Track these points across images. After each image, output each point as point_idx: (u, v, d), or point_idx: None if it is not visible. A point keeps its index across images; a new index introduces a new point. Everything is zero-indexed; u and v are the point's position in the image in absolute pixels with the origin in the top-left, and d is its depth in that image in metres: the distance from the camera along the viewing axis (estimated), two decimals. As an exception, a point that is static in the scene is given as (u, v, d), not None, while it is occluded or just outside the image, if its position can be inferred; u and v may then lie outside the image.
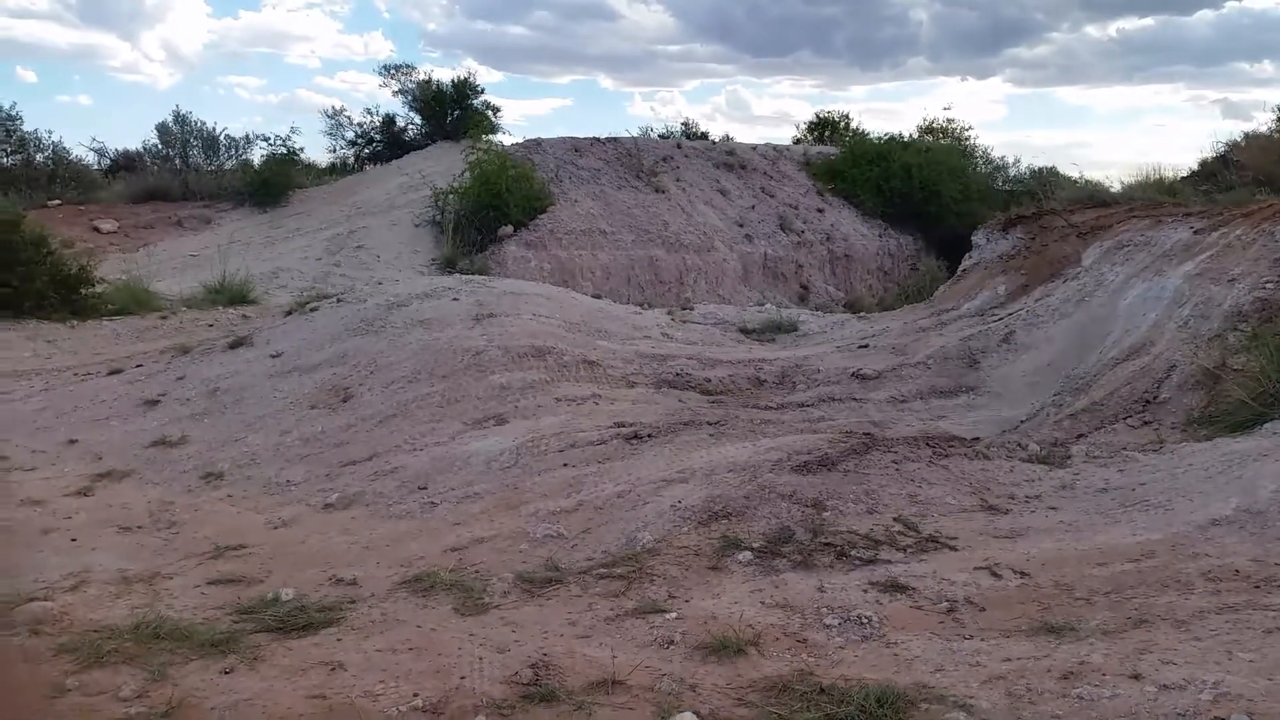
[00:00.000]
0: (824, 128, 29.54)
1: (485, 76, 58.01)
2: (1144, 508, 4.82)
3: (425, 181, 18.21)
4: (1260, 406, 6.00)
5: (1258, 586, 3.89)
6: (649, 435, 6.27)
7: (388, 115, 24.14)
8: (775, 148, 24.06)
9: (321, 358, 8.02)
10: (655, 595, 4.10)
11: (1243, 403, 6.10)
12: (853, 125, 29.07)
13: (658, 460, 5.78)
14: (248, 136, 21.67)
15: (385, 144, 23.86)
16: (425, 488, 5.67)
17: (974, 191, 21.27)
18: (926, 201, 21.01)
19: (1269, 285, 7.32)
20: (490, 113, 23.22)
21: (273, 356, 8.28)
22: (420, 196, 17.95)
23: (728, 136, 26.13)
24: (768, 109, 64.97)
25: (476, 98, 23.22)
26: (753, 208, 20.59)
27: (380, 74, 24.79)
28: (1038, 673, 3.23)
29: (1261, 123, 18.50)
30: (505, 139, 21.13)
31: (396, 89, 23.77)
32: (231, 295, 12.57)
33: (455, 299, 8.65)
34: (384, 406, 6.97)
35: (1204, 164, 14.66)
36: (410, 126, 23.94)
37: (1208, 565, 4.12)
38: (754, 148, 23.43)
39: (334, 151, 24.30)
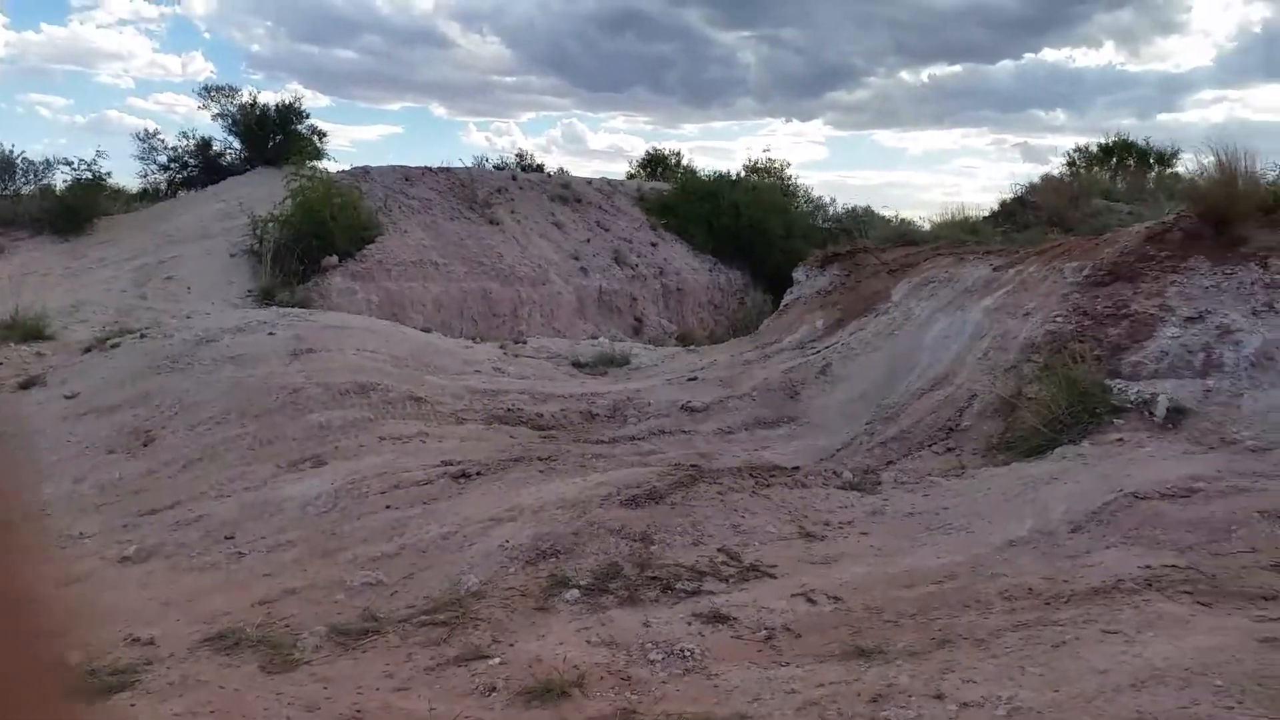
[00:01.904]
0: (656, 164, 30.23)
1: (311, 101, 56.19)
2: (947, 531, 5.10)
3: (244, 209, 17.38)
4: (1051, 433, 6.48)
5: (1048, 603, 4.17)
6: (478, 473, 6.16)
7: (204, 139, 22.96)
8: (610, 182, 24.40)
9: (122, 398, 7.48)
10: (479, 640, 4.00)
11: (1036, 429, 6.57)
12: (684, 162, 29.91)
13: (486, 499, 5.68)
14: (48, 160, 20.13)
15: (201, 169, 22.67)
16: (232, 537, 5.36)
17: (797, 229, 22.19)
18: (754, 238, 21.77)
19: (1059, 319, 7.94)
20: (316, 138, 22.53)
21: (68, 397, 7.66)
22: (238, 224, 17.11)
23: (562, 170, 26.32)
24: (603, 143, 65.91)
25: (301, 122, 22.47)
26: (588, 241, 20.75)
27: (199, 95, 23.57)
28: (848, 697, 3.34)
29: (1055, 166, 20.19)
30: (331, 165, 20.52)
31: (216, 111, 22.68)
32: (25, 330, 11.53)
33: (271, 333, 8.27)
34: (189, 450, 6.56)
35: (1004, 204, 15.65)
36: (229, 151, 22.88)
37: (1004, 584, 4.39)
38: (589, 181, 23.67)
39: (145, 177, 22.90)
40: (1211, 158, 8.25)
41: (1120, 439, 6.19)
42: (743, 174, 26.24)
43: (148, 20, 64.21)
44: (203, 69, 64.19)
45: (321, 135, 22.84)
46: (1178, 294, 7.52)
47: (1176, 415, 6.35)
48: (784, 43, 62.28)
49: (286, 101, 22.52)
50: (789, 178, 27.33)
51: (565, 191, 22.29)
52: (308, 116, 22.77)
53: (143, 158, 22.74)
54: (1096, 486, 5.42)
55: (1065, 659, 3.52)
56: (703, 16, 61.45)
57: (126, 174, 28.09)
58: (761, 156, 29.18)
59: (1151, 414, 6.42)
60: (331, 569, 4.82)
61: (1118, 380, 6.85)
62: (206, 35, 64.17)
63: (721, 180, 24.17)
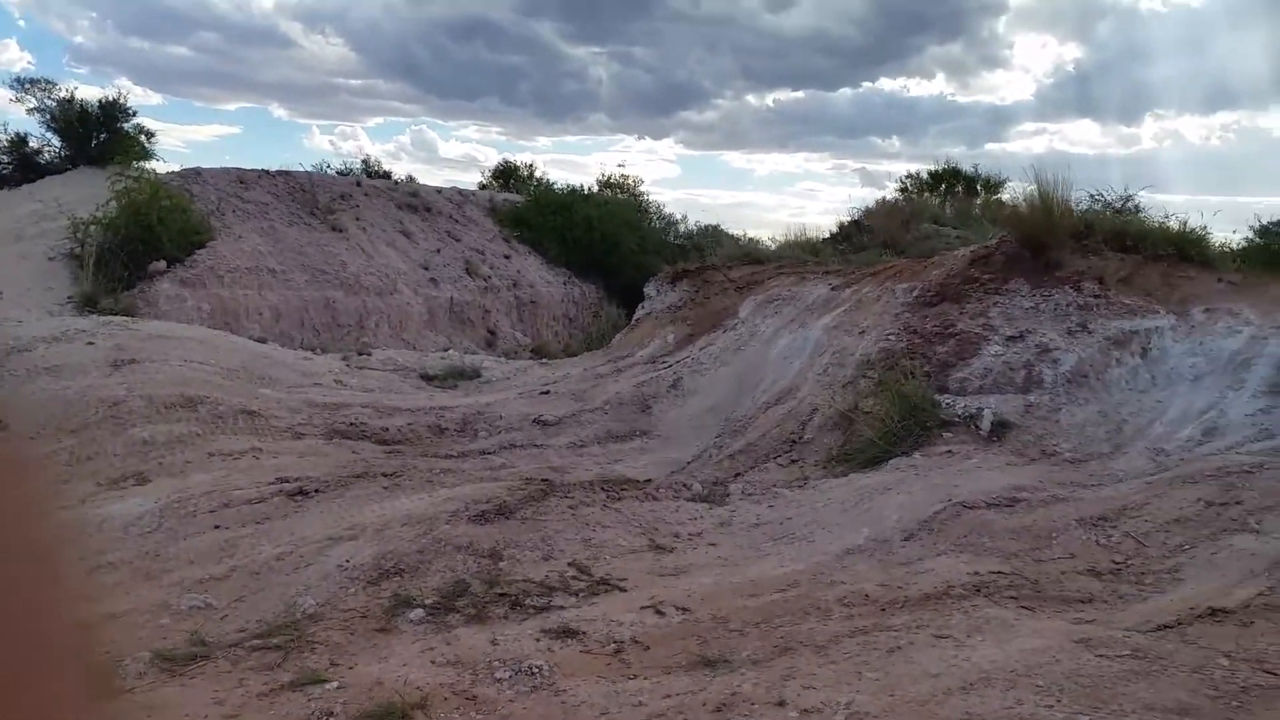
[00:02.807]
0: (509, 175, 30.03)
1: (142, 98, 52.77)
2: (790, 540, 5.24)
3: (63, 210, 16.11)
4: (886, 445, 6.78)
5: (884, 609, 4.33)
6: (316, 490, 5.91)
7: (19, 134, 21.20)
8: (461, 192, 24.03)
9: (-85, 411, 6.79)
10: (316, 664, 3.82)
11: (872, 441, 6.86)
12: (537, 174, 29.83)
13: (325, 517, 5.45)
14: None
15: (15, 167, 20.93)
16: (44, 560, 4.94)
17: (650, 245, 22.45)
18: (607, 252, 21.90)
19: (891, 337, 8.33)
20: (143, 137, 21.21)
21: None
22: (57, 227, 15.85)
23: (410, 177, 25.74)
24: (455, 152, 64.87)
25: (127, 120, 21.10)
26: (438, 251, 20.35)
27: (12, 87, 21.76)
28: (694, 707, 3.36)
29: (890, 191, 21.17)
30: (160, 166, 19.36)
31: (32, 105, 21.01)
32: None
33: (90, 343, 7.71)
34: (-5, 467, 6.02)
35: (842, 226, 16.30)
36: (47, 149, 21.23)
37: (843, 591, 4.54)
38: (439, 190, 23.25)
39: (-51, 174, 20.97)
40: (1031, 186, 8.86)
41: (949, 451, 6.53)
42: (596, 188, 26.41)
43: (-48, 2, 59.13)
44: (18, 59, 59.69)
45: (149, 135, 21.54)
46: (1000, 314, 8.02)
47: (1000, 429, 6.75)
48: (635, 61, 63.28)
49: (110, 98, 21.11)
50: (642, 194, 27.67)
51: (414, 200, 21.81)
52: (135, 114, 21.41)
53: (-54, 153, 20.86)
54: (927, 496, 5.69)
55: (899, 663, 3.66)
56: (554, 30, 61.71)
57: (-74, 169, 25.69)
58: (615, 171, 29.45)
59: (977, 427, 6.81)
60: (156, 592, 4.51)
61: (946, 395, 7.24)
62: (21, 23, 59.57)
63: (575, 194, 24.25)
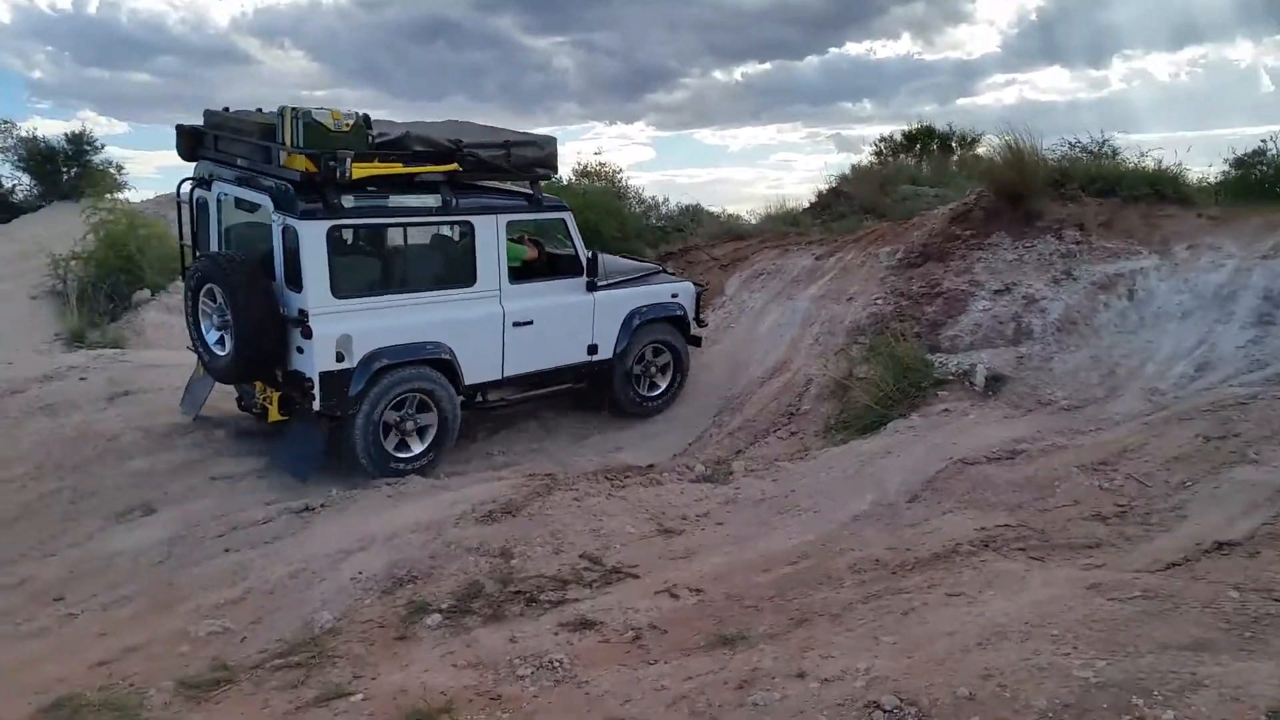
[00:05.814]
0: (484, 173, 29.84)
1: (107, 128, 52.43)
2: (796, 512, 5.28)
3: (41, 248, 16.08)
4: (883, 409, 6.81)
5: (894, 572, 4.38)
6: (321, 505, 5.91)
7: (-11, 176, 21.20)
8: (437, 194, 23.93)
9: (-85, 462, 6.77)
10: (339, 678, 3.85)
11: (868, 407, 6.89)
12: (512, 170, 29.63)
13: (333, 531, 5.46)
14: None
15: (-13, 208, 20.90)
16: (62, 598, 4.94)
17: (631, 230, 22.32)
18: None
19: (878, 301, 8.36)
20: (114, 169, 21.14)
21: None
22: (35, 265, 15.79)
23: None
24: (426, 155, 64.35)
25: (95, 153, 21.05)
26: (419, 255, 20.30)
27: (-26, 131, 21.63)
28: (716, 686, 3.40)
29: (865, 156, 20.97)
30: (134, 195, 19.31)
31: (-1, 145, 20.92)
32: None
33: (83, 378, 7.68)
34: (4, 510, 6.00)
35: (820, 195, 16.20)
36: (18, 187, 21.16)
37: (853, 559, 4.58)
38: (416, 195, 23.16)
39: (-82, 219, 20.89)
40: (1000, 139, 8.91)
41: (946, 409, 6.58)
42: (573, 179, 26.29)
43: (-94, 43, 58.56)
44: (-21, 98, 59.02)
45: (119, 167, 21.52)
46: (984, 269, 8.06)
47: (995, 382, 6.80)
48: (598, 47, 63.13)
49: (75, 131, 21.06)
50: (620, 180, 27.55)
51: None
52: (103, 146, 21.40)
53: (-87, 198, 20.79)
54: (928, 456, 5.74)
55: (915, 625, 3.71)
56: (515, 23, 61.51)
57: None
58: (592, 159, 29.20)
59: (972, 383, 6.85)
60: (173, 621, 4.52)
61: (938, 354, 7.28)
62: (-20, 62, 59.03)
63: (553, 185, 24.17)
